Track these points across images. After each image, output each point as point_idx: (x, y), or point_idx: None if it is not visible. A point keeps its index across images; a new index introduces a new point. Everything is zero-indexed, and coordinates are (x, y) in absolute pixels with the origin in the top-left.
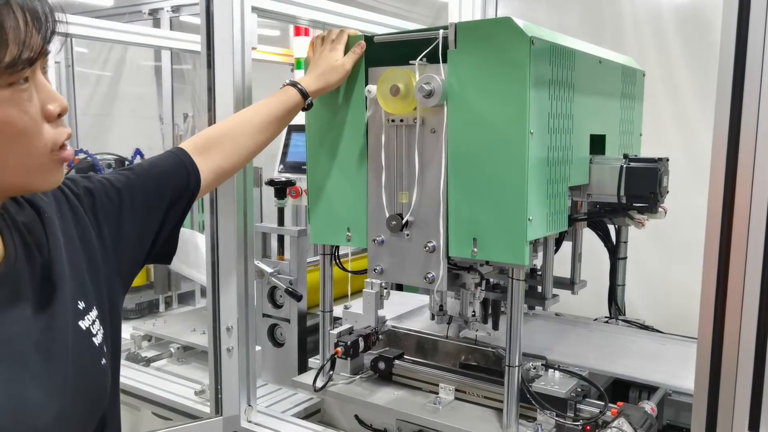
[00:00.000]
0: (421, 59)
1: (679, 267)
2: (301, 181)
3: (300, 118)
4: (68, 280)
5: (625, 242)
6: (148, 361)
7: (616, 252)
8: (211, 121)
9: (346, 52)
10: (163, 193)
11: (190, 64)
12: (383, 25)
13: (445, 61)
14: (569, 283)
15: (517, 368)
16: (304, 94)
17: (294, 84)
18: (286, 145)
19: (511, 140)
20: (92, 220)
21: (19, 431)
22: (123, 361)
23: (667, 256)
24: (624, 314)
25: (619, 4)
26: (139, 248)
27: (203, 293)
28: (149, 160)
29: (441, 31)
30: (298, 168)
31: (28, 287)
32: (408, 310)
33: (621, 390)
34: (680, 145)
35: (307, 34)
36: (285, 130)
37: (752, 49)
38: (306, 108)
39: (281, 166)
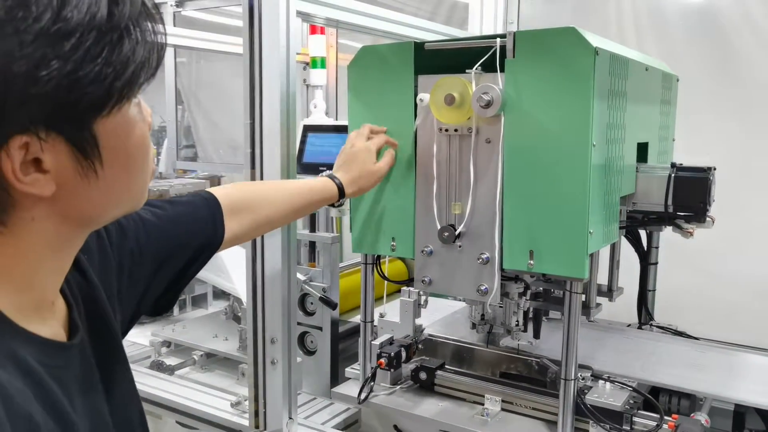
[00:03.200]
0: (476, 68)
1: (684, 269)
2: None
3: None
4: (118, 339)
5: (656, 247)
6: (172, 370)
7: (647, 257)
8: (255, 132)
9: None
10: (187, 247)
11: (185, 57)
12: (428, 30)
13: (502, 70)
14: (606, 291)
15: (573, 381)
16: (341, 193)
17: (333, 177)
18: (302, 143)
19: (573, 152)
20: (116, 263)
21: None
22: (147, 370)
23: (674, 258)
24: (654, 319)
25: (645, 5)
26: (145, 300)
27: (216, 296)
28: (181, 203)
29: (498, 39)
30: (314, 169)
31: (93, 361)
32: (441, 317)
33: (653, 397)
34: (684, 148)
35: (323, 32)
36: (301, 130)
37: None
38: (336, 206)
39: (298, 167)
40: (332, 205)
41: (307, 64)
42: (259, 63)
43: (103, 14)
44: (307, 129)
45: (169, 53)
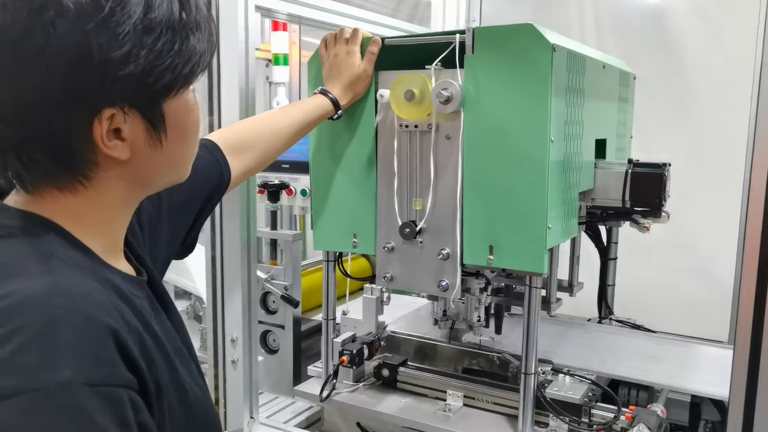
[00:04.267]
0: (436, 64)
1: (645, 264)
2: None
3: None
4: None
5: (616, 243)
6: None
7: (606, 252)
8: (214, 129)
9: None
10: (199, 193)
11: None
12: (390, 27)
13: (461, 66)
14: (567, 286)
15: (533, 376)
16: (337, 106)
17: (325, 92)
18: None
19: (532, 148)
20: (136, 223)
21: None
22: None
23: (635, 253)
24: (613, 314)
25: (605, 4)
26: (171, 249)
27: (177, 295)
28: None
29: (457, 35)
30: (277, 167)
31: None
32: (404, 313)
33: (612, 389)
34: (643, 144)
35: (285, 29)
36: None
37: None
38: (335, 119)
39: None
40: (331, 118)
41: (270, 61)
42: (217, 59)
43: (176, 16)
44: None
45: None
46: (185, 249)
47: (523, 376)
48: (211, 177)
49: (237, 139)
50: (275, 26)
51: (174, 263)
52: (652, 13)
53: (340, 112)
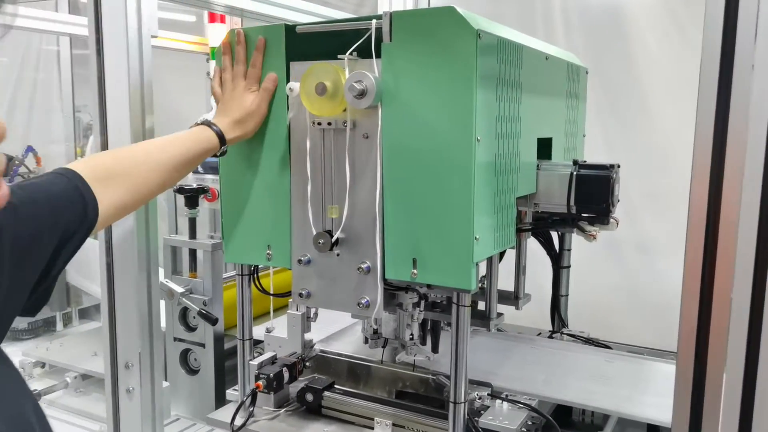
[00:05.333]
0: (351, 53)
1: (599, 267)
2: (216, 183)
3: None
4: None
5: (569, 250)
6: (39, 395)
7: (559, 260)
8: (103, 120)
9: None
10: (54, 227)
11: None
12: (305, 12)
13: (378, 55)
14: (513, 298)
15: (463, 404)
16: (222, 140)
17: (209, 124)
18: None
19: (455, 148)
20: None
21: None
22: None
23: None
24: (567, 326)
25: None
26: (17, 300)
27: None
28: (33, 183)
29: (374, 21)
30: (214, 168)
31: None
32: (337, 330)
33: (563, 411)
34: (604, 142)
35: (222, 21)
36: None
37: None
38: (219, 155)
39: (199, 167)
40: (215, 155)
41: (209, 55)
42: (100, 47)
43: None
44: None
45: (64, 43)
46: (38, 300)
47: (451, 405)
48: (70, 206)
49: (105, 167)
50: (212, 18)
51: (89, 265)
52: (611, 8)
53: (224, 147)
